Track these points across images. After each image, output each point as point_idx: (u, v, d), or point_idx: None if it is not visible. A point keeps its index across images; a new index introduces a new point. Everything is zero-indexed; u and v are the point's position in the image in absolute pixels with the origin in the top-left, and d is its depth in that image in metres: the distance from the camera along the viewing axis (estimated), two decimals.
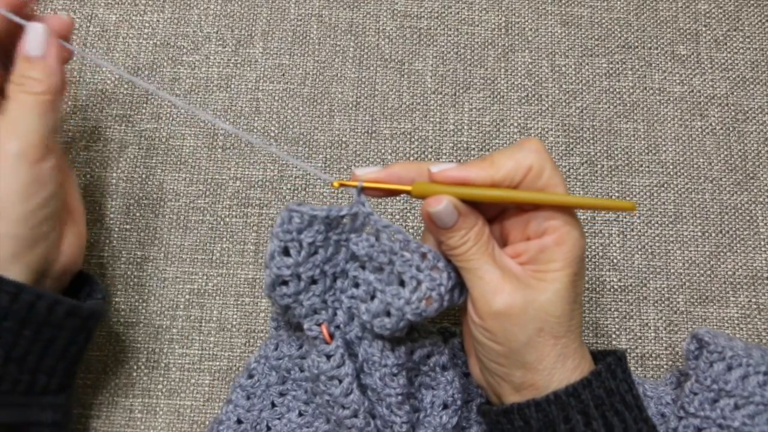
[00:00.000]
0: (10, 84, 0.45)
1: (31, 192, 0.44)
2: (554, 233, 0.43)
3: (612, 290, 0.60)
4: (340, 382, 0.47)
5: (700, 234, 0.61)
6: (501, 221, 0.46)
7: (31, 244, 0.45)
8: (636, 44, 0.66)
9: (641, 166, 0.62)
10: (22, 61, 0.46)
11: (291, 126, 0.63)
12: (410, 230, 0.61)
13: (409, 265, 0.44)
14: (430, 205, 0.42)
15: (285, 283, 0.46)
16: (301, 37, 0.66)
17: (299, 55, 0.65)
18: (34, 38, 0.45)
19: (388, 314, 0.45)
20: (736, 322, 0.59)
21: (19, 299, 0.43)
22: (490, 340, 0.44)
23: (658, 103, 0.64)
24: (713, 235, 0.61)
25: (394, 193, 0.45)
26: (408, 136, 0.63)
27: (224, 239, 0.60)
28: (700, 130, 0.64)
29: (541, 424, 0.43)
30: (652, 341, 0.59)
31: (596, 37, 0.66)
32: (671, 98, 0.64)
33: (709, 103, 0.64)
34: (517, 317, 0.42)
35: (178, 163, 0.62)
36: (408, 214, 0.61)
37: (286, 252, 0.45)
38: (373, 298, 0.46)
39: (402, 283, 0.45)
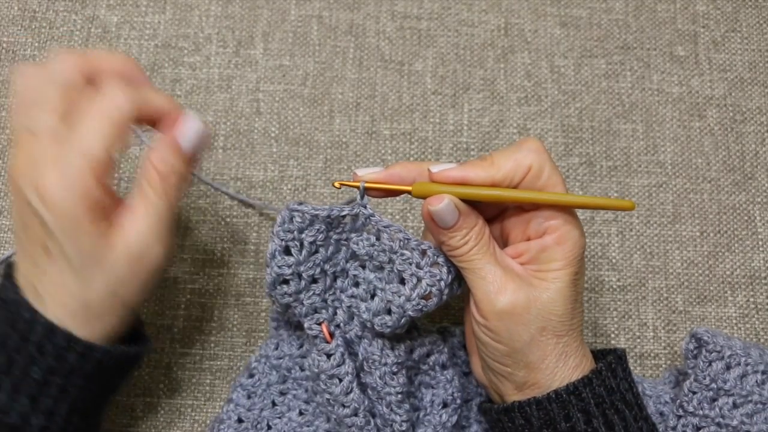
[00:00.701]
0: (154, 165, 0.43)
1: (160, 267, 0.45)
2: (555, 233, 0.43)
3: (611, 290, 0.60)
4: (340, 380, 0.47)
5: (698, 234, 0.61)
6: (501, 222, 0.47)
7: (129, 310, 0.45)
8: (635, 45, 0.66)
9: (640, 166, 0.63)
10: (171, 148, 0.44)
11: (291, 127, 0.63)
12: (410, 230, 0.61)
13: (409, 263, 0.45)
14: (431, 203, 0.43)
15: (286, 281, 0.46)
16: (301, 38, 0.66)
17: (300, 56, 0.65)
18: (192, 133, 0.44)
19: (389, 312, 0.45)
20: (734, 321, 0.59)
21: (88, 357, 0.43)
22: (493, 340, 0.44)
23: (656, 104, 0.64)
24: (711, 235, 0.61)
25: (394, 193, 0.46)
26: (408, 137, 0.63)
27: (225, 239, 0.60)
28: (698, 130, 0.64)
29: (541, 422, 0.43)
30: (651, 340, 0.59)
31: (595, 38, 0.66)
32: (670, 99, 0.65)
33: (707, 104, 0.65)
34: (520, 316, 0.42)
35: None
36: (408, 214, 0.62)
37: (287, 251, 0.46)
38: (373, 296, 0.46)
39: (402, 281, 0.45)
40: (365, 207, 0.45)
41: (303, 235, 0.45)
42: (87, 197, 0.40)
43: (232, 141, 0.63)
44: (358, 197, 0.45)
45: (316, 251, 0.46)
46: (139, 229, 0.42)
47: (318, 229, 0.45)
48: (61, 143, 0.40)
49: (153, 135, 0.46)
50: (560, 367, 0.43)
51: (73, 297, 0.42)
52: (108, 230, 0.42)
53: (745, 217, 0.62)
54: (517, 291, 0.42)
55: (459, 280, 0.46)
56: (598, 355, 0.47)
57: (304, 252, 0.45)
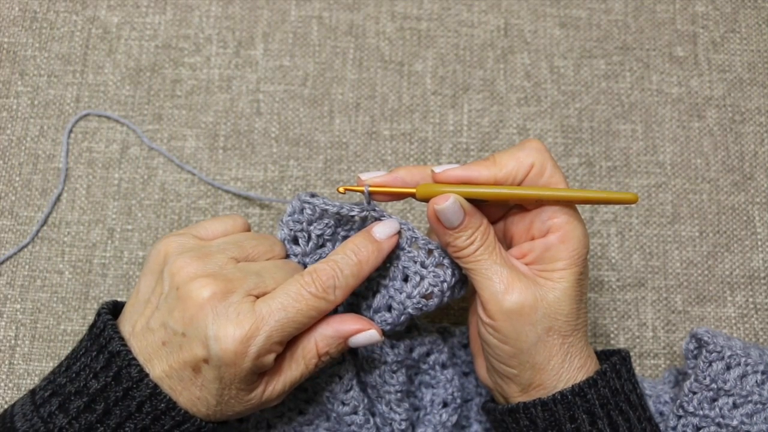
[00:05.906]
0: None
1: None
2: (558, 231, 0.43)
3: (610, 290, 0.60)
4: (340, 378, 0.47)
5: (697, 234, 0.61)
6: (504, 223, 0.47)
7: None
8: (634, 46, 0.66)
9: (639, 166, 0.63)
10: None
11: (291, 127, 0.64)
12: None
13: (414, 261, 0.45)
14: (436, 202, 0.43)
15: None
16: (301, 39, 0.66)
17: (300, 56, 0.65)
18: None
19: (390, 309, 0.46)
20: (733, 321, 0.59)
21: (182, 426, 0.42)
22: (500, 341, 0.44)
23: (656, 105, 0.65)
24: (711, 235, 0.61)
25: (399, 196, 0.46)
26: (408, 137, 0.64)
27: None
28: (697, 131, 0.64)
29: (546, 423, 0.43)
30: (650, 340, 0.59)
31: (595, 38, 0.66)
32: (669, 99, 0.65)
33: (706, 105, 0.65)
34: (528, 316, 0.42)
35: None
36: (408, 214, 0.62)
37: (294, 240, 0.46)
38: (375, 293, 0.47)
39: (406, 278, 0.45)
40: (374, 210, 0.45)
41: (311, 228, 0.46)
42: (263, 362, 0.42)
43: (233, 141, 0.63)
44: (365, 202, 0.45)
45: (323, 245, 0.46)
46: (276, 396, 0.44)
47: (326, 224, 0.45)
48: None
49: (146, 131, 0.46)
50: (565, 368, 0.43)
51: (194, 397, 0.42)
52: (259, 381, 0.43)
53: (744, 218, 0.62)
54: (524, 291, 0.42)
55: (461, 283, 0.46)
56: (602, 355, 0.47)
57: (311, 244, 0.46)
